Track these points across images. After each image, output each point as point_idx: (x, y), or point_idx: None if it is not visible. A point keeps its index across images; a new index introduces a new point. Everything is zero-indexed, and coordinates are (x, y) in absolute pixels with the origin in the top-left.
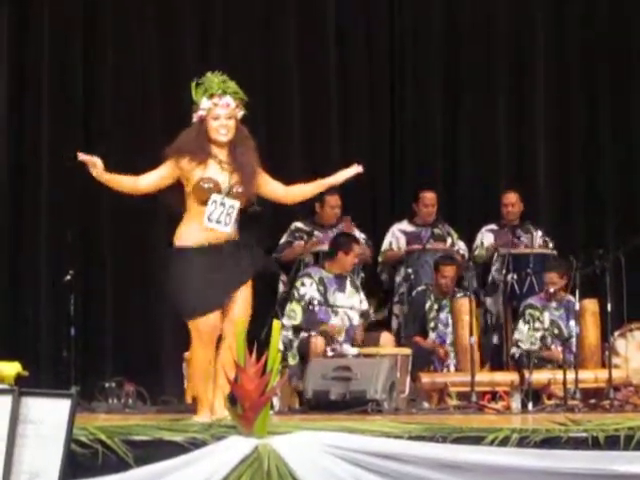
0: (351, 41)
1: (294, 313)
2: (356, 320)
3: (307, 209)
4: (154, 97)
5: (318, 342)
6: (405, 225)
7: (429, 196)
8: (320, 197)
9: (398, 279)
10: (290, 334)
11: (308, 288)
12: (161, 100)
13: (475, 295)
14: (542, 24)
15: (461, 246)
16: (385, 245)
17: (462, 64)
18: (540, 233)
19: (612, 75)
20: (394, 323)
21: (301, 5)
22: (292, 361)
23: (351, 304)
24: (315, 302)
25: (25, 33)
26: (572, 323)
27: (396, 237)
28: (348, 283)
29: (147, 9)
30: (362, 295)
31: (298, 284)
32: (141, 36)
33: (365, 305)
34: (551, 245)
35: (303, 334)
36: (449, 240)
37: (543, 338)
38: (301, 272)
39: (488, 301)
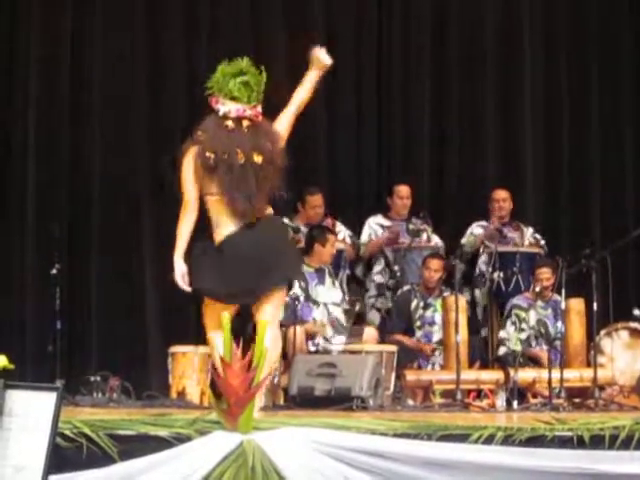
0: (339, 42)
1: None
2: (336, 312)
3: (291, 208)
4: (140, 78)
5: (297, 332)
6: (380, 219)
7: (404, 189)
8: (302, 197)
9: (376, 269)
10: None
11: None
12: (148, 84)
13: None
14: (531, 22)
15: (436, 240)
16: (364, 238)
17: (450, 60)
18: (531, 231)
19: (600, 72)
20: (376, 316)
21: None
22: None
23: (331, 297)
24: (300, 300)
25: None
26: (559, 324)
27: (374, 230)
28: (327, 275)
29: None
30: (337, 284)
31: None
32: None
33: (340, 294)
34: (543, 242)
35: (282, 329)
36: (424, 235)
37: (527, 339)
38: None
39: (476, 293)
